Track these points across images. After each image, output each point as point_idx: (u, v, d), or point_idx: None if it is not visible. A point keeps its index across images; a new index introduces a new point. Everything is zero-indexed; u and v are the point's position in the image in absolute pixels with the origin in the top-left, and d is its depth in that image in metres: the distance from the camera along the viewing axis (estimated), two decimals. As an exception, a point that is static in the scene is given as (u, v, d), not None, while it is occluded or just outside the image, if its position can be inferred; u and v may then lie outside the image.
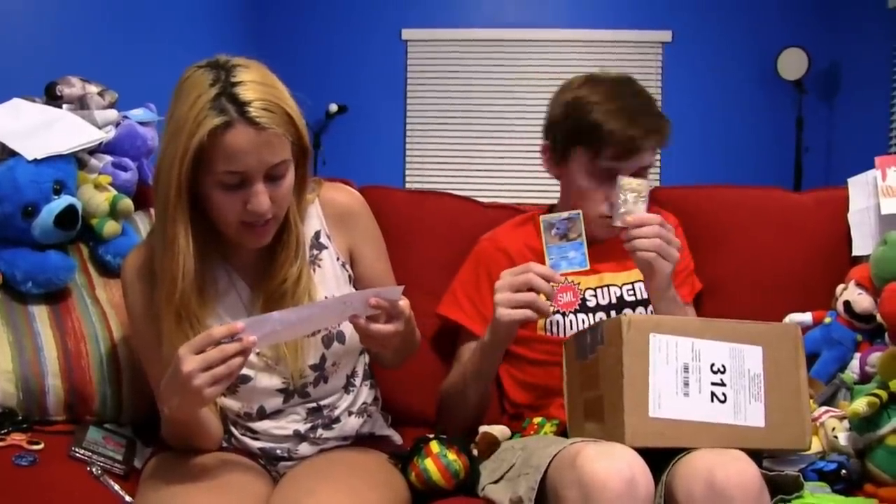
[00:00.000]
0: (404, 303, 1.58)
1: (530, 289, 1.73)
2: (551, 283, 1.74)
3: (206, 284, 1.67)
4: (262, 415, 1.74)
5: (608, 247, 1.91)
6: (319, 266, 1.77)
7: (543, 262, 1.78)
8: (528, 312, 1.74)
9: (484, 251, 2.11)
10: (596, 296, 2.02)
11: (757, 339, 1.61)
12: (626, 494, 1.40)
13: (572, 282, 2.01)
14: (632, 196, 1.80)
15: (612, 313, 2.00)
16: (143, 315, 1.68)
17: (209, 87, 1.50)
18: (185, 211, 1.56)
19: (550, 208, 2.13)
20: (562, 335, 1.99)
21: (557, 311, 2.00)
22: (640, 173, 1.94)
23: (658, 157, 6.08)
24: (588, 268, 1.81)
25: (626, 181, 1.82)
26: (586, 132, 1.93)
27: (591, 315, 2.00)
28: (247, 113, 1.49)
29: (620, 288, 2.03)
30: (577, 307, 2.01)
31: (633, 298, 2.02)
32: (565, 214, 1.79)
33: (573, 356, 1.78)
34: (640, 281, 2.01)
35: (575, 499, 1.42)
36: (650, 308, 1.97)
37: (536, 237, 2.03)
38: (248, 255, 1.73)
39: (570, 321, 2.00)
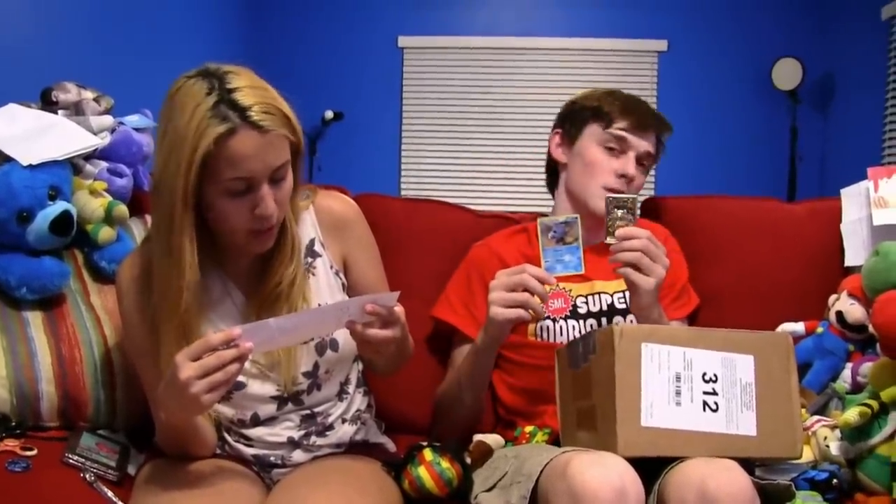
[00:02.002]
0: (399, 309, 1.58)
1: (525, 289, 1.76)
2: (545, 286, 1.76)
3: (201, 292, 1.67)
4: (256, 422, 1.74)
5: (601, 255, 1.92)
6: (313, 274, 1.78)
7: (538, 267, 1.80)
8: (521, 312, 1.76)
9: (477, 256, 2.13)
10: (587, 303, 2.03)
11: (748, 347, 1.61)
12: (617, 504, 1.40)
13: (563, 288, 2.02)
14: (620, 212, 1.82)
15: (603, 320, 2.01)
16: (138, 323, 1.67)
17: (206, 95, 1.50)
18: (192, 222, 1.55)
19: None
20: (552, 341, 2.00)
21: (548, 317, 2.01)
22: (642, 161, 2.06)
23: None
24: (583, 272, 1.83)
25: (615, 197, 1.84)
26: (598, 109, 2.10)
27: (581, 322, 2.01)
28: (249, 117, 1.50)
29: (612, 296, 2.03)
30: (568, 313, 2.02)
31: (623, 306, 2.02)
32: (562, 218, 1.81)
33: (565, 365, 1.79)
34: None
35: (566, 508, 1.43)
36: None
37: (528, 245, 2.05)
38: (242, 262, 1.73)
39: (561, 327, 2.01)
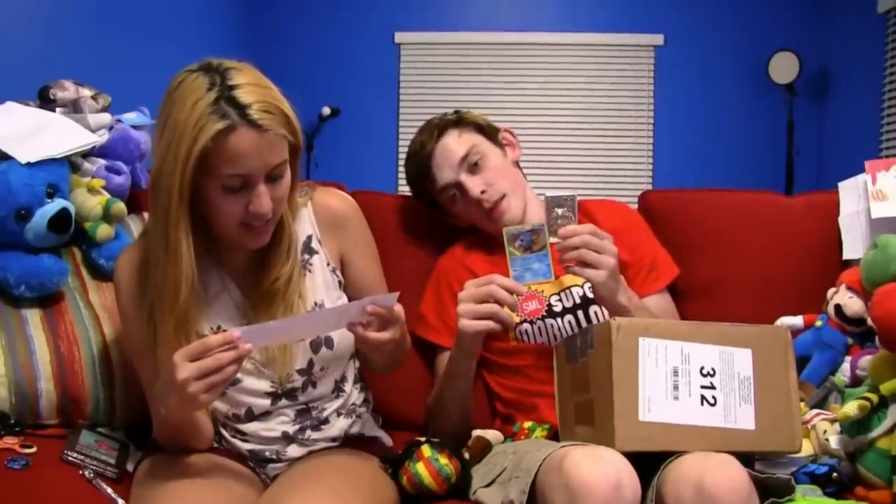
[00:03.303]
0: (399, 309, 1.58)
1: (494, 300, 1.75)
2: (514, 295, 1.76)
3: (199, 288, 1.67)
4: (250, 416, 1.74)
5: None
6: (310, 271, 1.78)
7: (503, 273, 1.79)
8: (490, 324, 1.76)
9: (444, 265, 2.15)
10: (561, 300, 2.03)
11: (746, 341, 1.61)
12: (613, 498, 1.40)
13: (536, 290, 2.02)
14: (560, 210, 1.80)
15: (580, 313, 2.01)
16: (135, 317, 1.67)
17: (206, 91, 1.50)
18: (187, 216, 1.55)
19: None
20: (533, 342, 2.01)
21: (525, 320, 2.01)
22: (475, 164, 2.06)
23: (650, 160, 6.06)
24: (553, 279, 1.83)
25: (553, 196, 1.82)
26: (424, 184, 2.14)
27: (559, 319, 2.01)
28: (248, 115, 1.50)
29: (582, 287, 2.03)
30: (545, 313, 2.02)
31: None
32: (528, 226, 1.80)
33: (564, 359, 1.79)
34: None
35: (562, 503, 1.43)
36: None
37: (493, 249, 2.03)
38: (240, 258, 1.73)
39: (539, 328, 2.01)
